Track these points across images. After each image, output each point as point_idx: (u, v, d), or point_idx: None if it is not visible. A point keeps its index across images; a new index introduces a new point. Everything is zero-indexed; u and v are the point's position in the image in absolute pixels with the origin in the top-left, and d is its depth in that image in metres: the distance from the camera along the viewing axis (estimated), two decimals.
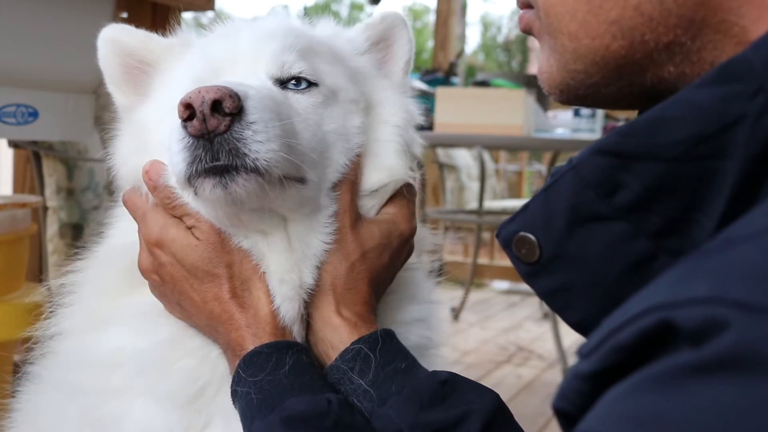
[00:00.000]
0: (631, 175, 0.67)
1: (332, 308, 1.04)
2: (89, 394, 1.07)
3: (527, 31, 0.84)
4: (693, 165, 0.64)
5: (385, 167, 1.12)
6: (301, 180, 1.01)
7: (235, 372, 0.98)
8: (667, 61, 0.72)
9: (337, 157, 1.07)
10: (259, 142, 0.94)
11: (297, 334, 1.03)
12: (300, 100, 1.05)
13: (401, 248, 1.11)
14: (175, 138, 0.96)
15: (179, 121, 0.94)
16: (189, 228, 1.04)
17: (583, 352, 0.57)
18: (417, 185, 1.15)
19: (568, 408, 0.56)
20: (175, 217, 1.05)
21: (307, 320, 1.05)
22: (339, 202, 1.07)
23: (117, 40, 1.17)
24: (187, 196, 1.03)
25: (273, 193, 0.97)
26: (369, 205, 1.11)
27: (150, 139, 1.12)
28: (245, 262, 1.03)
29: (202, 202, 1.01)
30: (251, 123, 0.94)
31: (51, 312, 1.16)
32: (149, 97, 1.16)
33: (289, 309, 1.02)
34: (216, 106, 0.92)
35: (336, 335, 1.02)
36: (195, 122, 0.93)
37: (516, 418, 1.03)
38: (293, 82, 1.06)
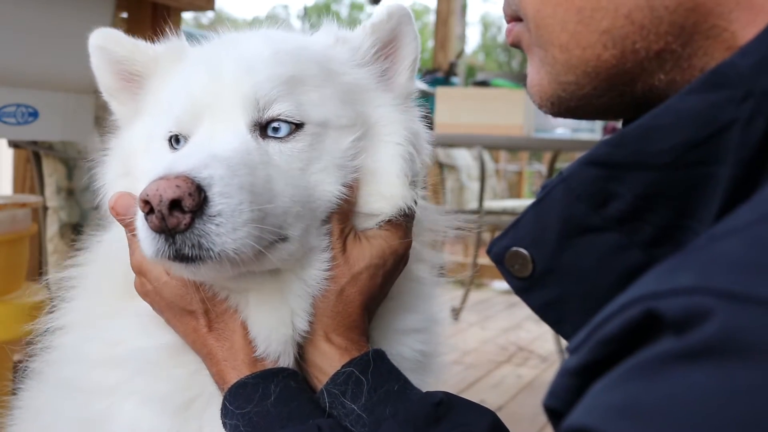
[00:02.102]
0: (622, 186, 0.67)
1: (321, 334, 1.02)
2: (83, 391, 1.07)
3: (516, 44, 0.83)
4: (684, 172, 0.65)
5: (387, 196, 1.05)
6: (283, 239, 0.97)
7: (222, 404, 0.97)
8: (658, 69, 0.72)
9: (327, 194, 1.02)
10: (224, 234, 0.89)
11: (284, 361, 1.01)
12: (282, 151, 1.00)
13: (396, 267, 1.07)
14: (139, 224, 0.93)
15: (140, 211, 0.91)
16: None
17: (570, 348, 0.57)
18: (416, 207, 1.08)
19: (558, 405, 0.57)
20: None
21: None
22: (331, 231, 1.03)
23: (106, 49, 1.13)
24: None
25: (249, 265, 0.94)
26: (365, 225, 1.06)
27: (134, 167, 1.09)
28: (218, 295, 1.02)
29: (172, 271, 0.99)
30: (214, 216, 0.89)
31: (52, 307, 1.16)
32: (138, 117, 1.12)
33: (285, 361, 1.01)
34: (175, 204, 0.88)
35: (326, 361, 1.00)
36: (154, 219, 0.89)
37: (516, 418, 1.03)
38: (274, 126, 1.00)
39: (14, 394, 1.22)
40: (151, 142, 1.07)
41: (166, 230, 0.89)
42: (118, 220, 1.03)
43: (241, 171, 0.93)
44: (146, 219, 0.90)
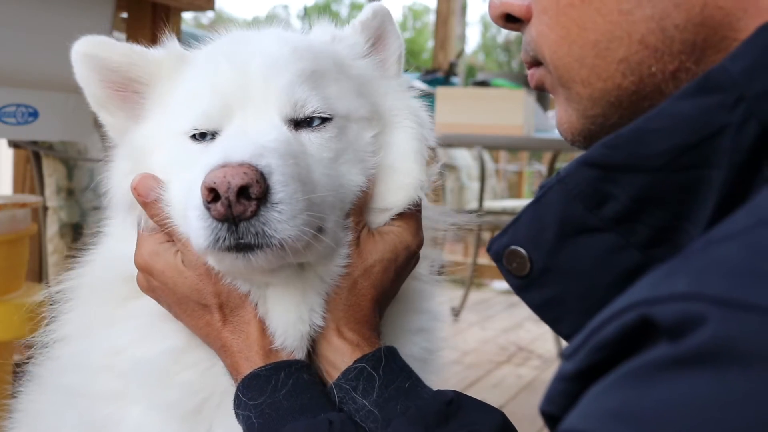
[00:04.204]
0: (617, 187, 0.68)
1: (332, 327, 1.02)
2: (87, 397, 1.06)
3: (540, 87, 0.85)
4: (678, 175, 0.66)
5: (402, 186, 1.07)
6: (321, 229, 0.97)
7: (235, 395, 0.98)
8: (675, 91, 0.73)
9: (353, 184, 1.04)
10: (284, 221, 0.91)
11: (297, 355, 1.01)
12: (313, 140, 1.02)
13: (408, 262, 1.07)
14: (195, 214, 0.92)
15: (201, 200, 0.90)
16: (177, 251, 1.02)
17: (566, 353, 0.58)
18: (428, 193, 1.10)
19: (555, 410, 0.57)
20: (167, 236, 1.02)
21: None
22: (350, 226, 1.04)
23: (95, 56, 1.08)
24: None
25: (299, 254, 0.95)
26: (379, 220, 1.07)
27: (147, 162, 1.08)
28: (233, 289, 1.01)
29: (217, 264, 0.99)
30: (277, 203, 0.90)
31: (51, 318, 1.15)
32: (145, 119, 1.10)
33: (299, 356, 1.01)
34: (242, 191, 0.88)
35: (337, 355, 1.01)
36: (219, 207, 0.89)
37: (516, 418, 1.03)
38: (308, 119, 1.02)
39: (14, 396, 1.21)
40: (168, 138, 1.07)
41: (230, 218, 0.89)
42: (139, 201, 1.03)
43: (290, 161, 0.95)
44: (209, 207, 0.90)
